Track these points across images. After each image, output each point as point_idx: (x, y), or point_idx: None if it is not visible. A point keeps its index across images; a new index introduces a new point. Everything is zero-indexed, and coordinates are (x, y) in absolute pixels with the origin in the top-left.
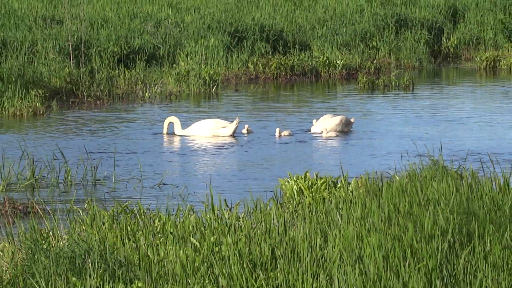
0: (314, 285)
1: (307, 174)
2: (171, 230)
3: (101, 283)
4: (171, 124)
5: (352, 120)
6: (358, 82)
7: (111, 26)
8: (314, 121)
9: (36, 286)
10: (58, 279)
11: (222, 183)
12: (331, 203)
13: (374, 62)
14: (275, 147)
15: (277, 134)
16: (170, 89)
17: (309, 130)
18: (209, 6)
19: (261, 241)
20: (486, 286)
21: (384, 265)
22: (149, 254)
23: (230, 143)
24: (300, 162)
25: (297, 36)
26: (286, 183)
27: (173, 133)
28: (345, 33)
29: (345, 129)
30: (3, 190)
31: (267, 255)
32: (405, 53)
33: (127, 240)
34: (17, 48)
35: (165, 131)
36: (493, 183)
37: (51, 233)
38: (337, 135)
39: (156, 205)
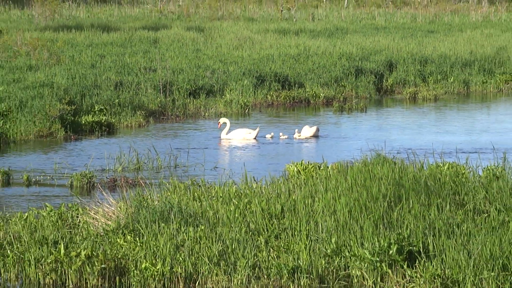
0: (307, 228)
1: (302, 161)
2: (221, 195)
3: (179, 226)
4: (223, 125)
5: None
6: (333, 107)
7: (185, 73)
8: (296, 130)
9: (139, 228)
10: (153, 225)
11: (251, 167)
12: (317, 179)
13: (342, 94)
14: (280, 145)
15: (280, 136)
16: (220, 111)
17: (296, 137)
18: (244, 61)
19: (275, 201)
20: (410, 229)
21: (348, 216)
22: (208, 209)
23: (254, 143)
24: (297, 154)
25: (297, 79)
26: (290, 166)
27: (219, 137)
28: (325, 77)
29: (317, 134)
30: (120, 171)
31: (278, 210)
32: (361, 89)
33: (194, 201)
34: (129, 86)
35: (219, 125)
36: (414, 166)
37: (149, 196)
38: (306, 138)
39: (212, 180)
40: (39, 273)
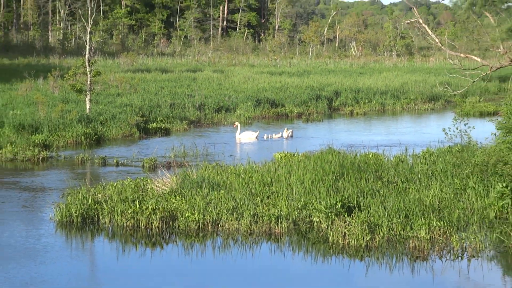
0: (286, 192)
1: (284, 151)
2: (234, 171)
3: (208, 191)
4: (237, 127)
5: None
6: (302, 118)
7: (212, 98)
8: (280, 132)
9: (184, 192)
10: (192, 190)
11: (253, 155)
12: (292, 162)
13: (308, 111)
14: (271, 142)
15: (269, 136)
16: (234, 121)
17: (282, 136)
18: (248, 91)
19: (267, 175)
20: (349, 193)
21: (311, 185)
22: (225, 180)
23: (255, 141)
24: (280, 147)
25: (280, 101)
26: (276, 154)
27: (234, 137)
28: (297, 100)
29: (292, 135)
30: (173, 157)
31: (268, 180)
32: (319, 108)
33: (218, 175)
34: (178, 106)
35: (234, 126)
36: (351, 155)
37: (190, 172)
38: (280, 137)
39: (228, 162)
40: (123, 219)
